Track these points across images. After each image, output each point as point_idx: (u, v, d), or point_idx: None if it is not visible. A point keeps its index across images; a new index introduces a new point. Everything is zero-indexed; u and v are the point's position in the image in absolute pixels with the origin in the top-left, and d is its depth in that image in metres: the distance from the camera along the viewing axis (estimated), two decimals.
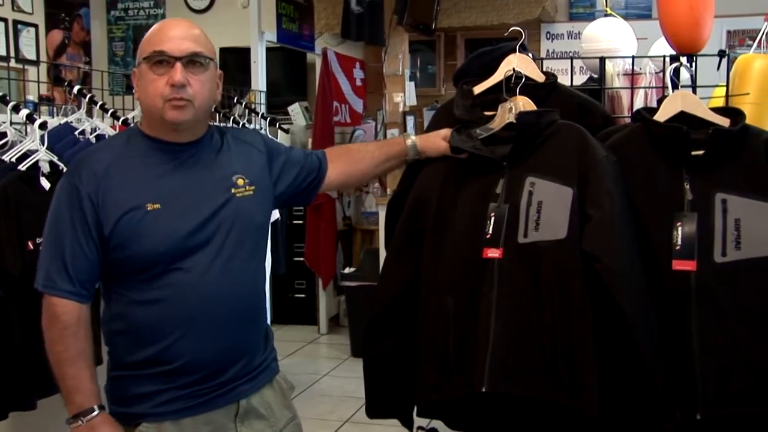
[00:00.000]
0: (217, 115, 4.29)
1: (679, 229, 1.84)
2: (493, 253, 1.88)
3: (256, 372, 1.91)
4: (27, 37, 5.90)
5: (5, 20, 5.69)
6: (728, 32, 5.86)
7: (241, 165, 1.91)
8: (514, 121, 1.98)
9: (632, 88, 2.69)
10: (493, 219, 1.90)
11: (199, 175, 1.83)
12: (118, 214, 1.74)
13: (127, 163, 1.80)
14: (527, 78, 2.08)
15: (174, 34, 1.79)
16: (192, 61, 1.79)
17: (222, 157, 1.89)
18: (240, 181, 1.88)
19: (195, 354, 1.78)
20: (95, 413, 1.74)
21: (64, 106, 3.41)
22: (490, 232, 1.89)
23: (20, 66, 5.62)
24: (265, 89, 5.38)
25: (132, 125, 2.05)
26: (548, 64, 2.33)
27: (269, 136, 2.17)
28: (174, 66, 1.76)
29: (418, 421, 2.10)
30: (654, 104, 2.25)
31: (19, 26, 5.84)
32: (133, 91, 1.85)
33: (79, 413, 1.74)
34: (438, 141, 2.08)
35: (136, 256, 1.75)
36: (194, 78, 1.79)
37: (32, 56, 5.85)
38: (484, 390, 1.81)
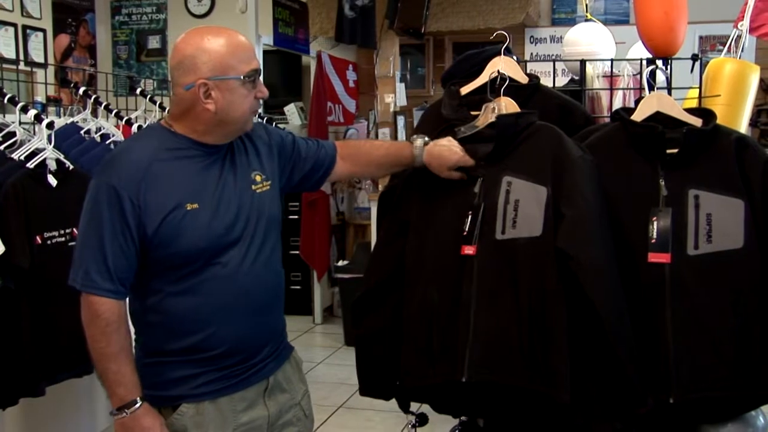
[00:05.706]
0: None
1: (655, 223, 1.84)
2: (469, 249, 1.88)
3: (280, 349, 1.95)
4: (35, 41, 5.86)
5: (15, 25, 5.64)
6: (700, 37, 5.87)
7: (257, 161, 1.91)
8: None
9: (611, 90, 2.69)
10: (470, 217, 1.90)
11: (226, 175, 1.83)
12: (161, 215, 1.72)
13: (164, 164, 1.76)
14: (511, 79, 2.07)
15: (252, 51, 1.81)
16: None
17: (241, 156, 1.88)
18: (258, 178, 1.89)
19: (234, 341, 1.81)
20: (138, 405, 1.73)
21: (70, 107, 3.39)
22: (466, 229, 1.89)
23: (29, 69, 5.59)
24: None
25: (154, 123, 2.00)
26: (531, 67, 2.33)
27: (271, 126, 2.13)
28: (257, 81, 1.80)
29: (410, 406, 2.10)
30: (632, 105, 2.24)
31: (28, 31, 5.79)
32: (206, 104, 1.75)
33: (122, 405, 1.73)
34: (444, 161, 1.97)
35: (178, 253, 1.74)
36: None
37: (40, 59, 5.81)
38: (464, 379, 1.82)
